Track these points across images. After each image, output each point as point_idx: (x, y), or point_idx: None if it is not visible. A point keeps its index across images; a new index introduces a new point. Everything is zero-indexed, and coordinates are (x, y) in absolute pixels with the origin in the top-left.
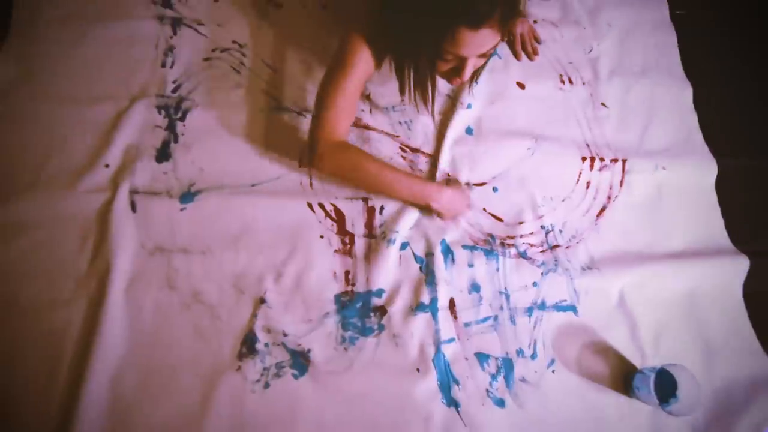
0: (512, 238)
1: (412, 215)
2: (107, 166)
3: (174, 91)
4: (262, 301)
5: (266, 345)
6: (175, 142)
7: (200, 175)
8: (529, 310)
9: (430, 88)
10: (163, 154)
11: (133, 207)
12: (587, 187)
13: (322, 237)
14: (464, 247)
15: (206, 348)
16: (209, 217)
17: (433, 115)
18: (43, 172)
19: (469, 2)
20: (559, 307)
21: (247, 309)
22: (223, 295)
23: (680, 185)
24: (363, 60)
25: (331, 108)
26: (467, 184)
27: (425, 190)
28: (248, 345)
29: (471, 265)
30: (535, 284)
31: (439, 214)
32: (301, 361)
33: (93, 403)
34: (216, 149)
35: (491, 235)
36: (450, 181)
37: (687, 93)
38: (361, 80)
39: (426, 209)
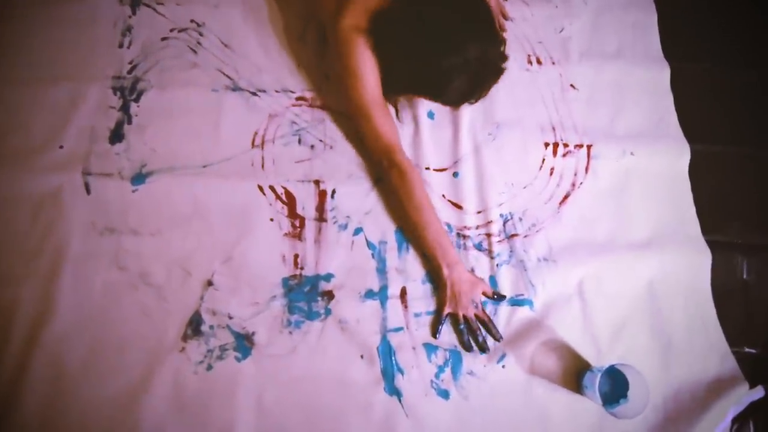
0: (469, 228)
1: (368, 200)
2: (62, 147)
3: (130, 71)
4: (210, 283)
5: (211, 327)
6: (129, 123)
7: (152, 156)
8: (483, 304)
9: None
10: (116, 135)
11: (87, 188)
12: (551, 174)
13: (272, 220)
14: None
15: (152, 328)
16: (160, 198)
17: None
18: None
19: (441, 89)
20: (514, 301)
21: (195, 291)
22: (171, 277)
23: (649, 171)
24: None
25: (370, 118)
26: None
27: (449, 253)
28: (193, 327)
29: (425, 256)
30: (492, 278)
31: (443, 286)
32: (245, 343)
33: (40, 378)
34: (169, 130)
35: (448, 225)
36: (474, 276)
37: (664, 74)
38: (375, 75)
39: (434, 272)
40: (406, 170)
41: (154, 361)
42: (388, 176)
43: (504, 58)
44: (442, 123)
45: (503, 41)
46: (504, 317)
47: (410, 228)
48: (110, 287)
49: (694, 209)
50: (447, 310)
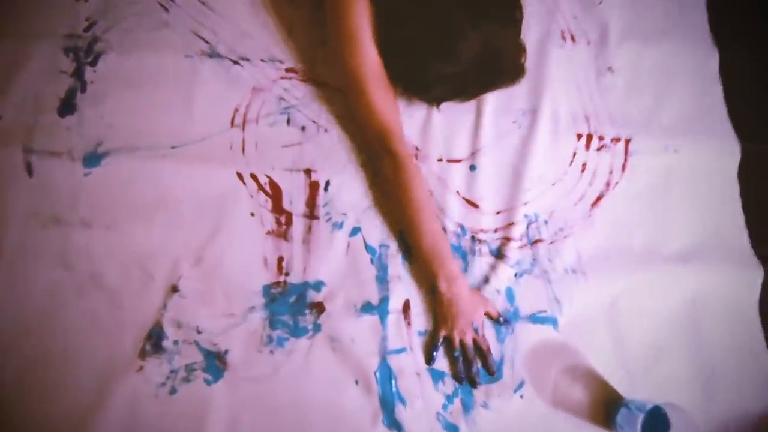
0: (486, 231)
1: (369, 195)
2: (0, 117)
3: (86, 29)
4: (175, 289)
5: (175, 343)
6: (83, 91)
7: (110, 133)
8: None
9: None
10: (66, 106)
11: (29, 169)
12: (582, 170)
13: (252, 215)
14: None
15: (104, 341)
16: (118, 184)
17: None
18: None
19: (424, 87)
20: (535, 319)
21: (156, 298)
22: (128, 280)
23: (693, 172)
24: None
25: (365, 92)
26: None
27: (448, 264)
28: (153, 341)
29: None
30: (509, 290)
31: (439, 303)
32: (216, 363)
33: None
34: (131, 102)
35: (461, 227)
36: (477, 293)
37: (713, 60)
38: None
39: (427, 288)
40: (402, 161)
41: (106, 382)
42: (380, 165)
43: (518, 51)
44: (460, 107)
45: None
46: (523, 338)
47: (406, 223)
48: (54, 290)
49: (743, 218)
50: (442, 332)
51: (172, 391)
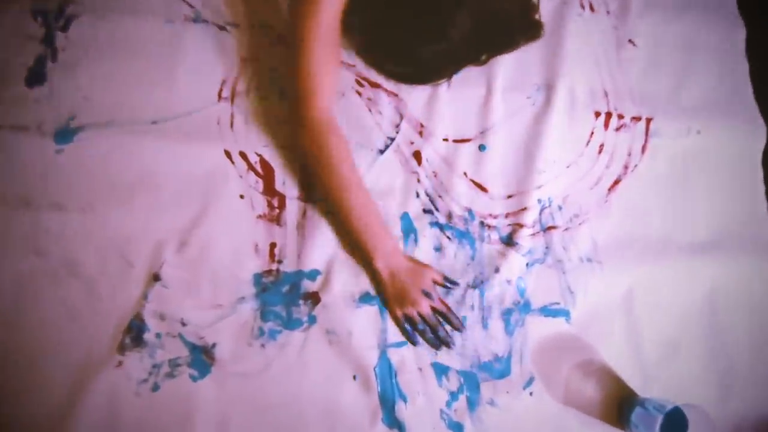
0: (495, 216)
1: (369, 176)
2: None
3: None
4: (156, 277)
5: (158, 335)
6: (53, 59)
7: (84, 105)
8: (508, 313)
9: None
10: (35, 76)
11: None
12: (599, 152)
13: (242, 197)
14: (433, 224)
15: (80, 334)
16: (93, 162)
17: None
18: None
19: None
20: (547, 311)
21: (136, 287)
22: (106, 267)
23: (717, 155)
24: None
25: (305, 49)
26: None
27: (383, 240)
28: (133, 334)
29: (438, 249)
30: (520, 281)
31: (384, 285)
32: (202, 358)
33: None
34: (107, 72)
35: (469, 211)
36: (416, 262)
37: (739, 37)
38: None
39: (367, 267)
40: (320, 131)
41: (82, 378)
42: (297, 136)
43: (527, 9)
44: (469, 81)
45: None
46: (533, 331)
47: (333, 201)
48: (25, 279)
49: (766, 206)
50: (397, 312)
51: (155, 387)
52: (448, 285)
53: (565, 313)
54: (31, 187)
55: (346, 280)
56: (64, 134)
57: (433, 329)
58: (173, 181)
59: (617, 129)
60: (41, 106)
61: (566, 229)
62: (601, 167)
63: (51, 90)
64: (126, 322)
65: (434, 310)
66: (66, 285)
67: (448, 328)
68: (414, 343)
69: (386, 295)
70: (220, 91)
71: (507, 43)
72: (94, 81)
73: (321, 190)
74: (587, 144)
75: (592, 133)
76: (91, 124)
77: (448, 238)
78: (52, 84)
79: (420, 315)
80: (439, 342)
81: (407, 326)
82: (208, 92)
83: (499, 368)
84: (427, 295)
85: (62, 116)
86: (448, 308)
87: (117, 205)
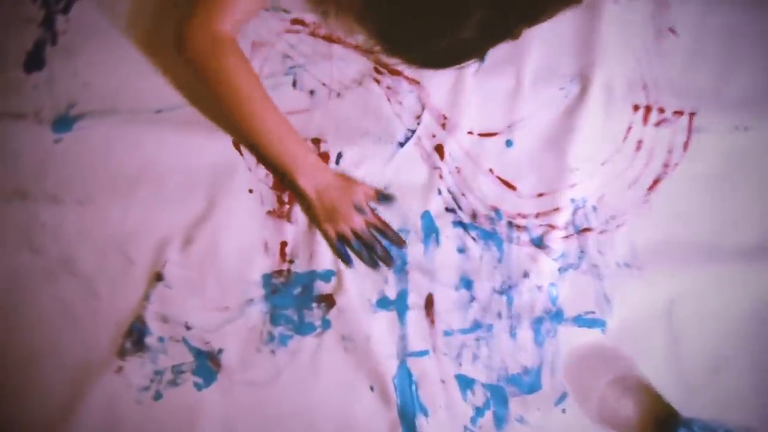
0: (525, 216)
1: (388, 169)
2: None
3: None
4: (159, 277)
5: (161, 340)
6: (53, 43)
7: (84, 92)
8: (538, 322)
9: None
10: (34, 61)
11: None
12: (637, 148)
13: (251, 191)
14: (456, 224)
15: (77, 336)
16: (93, 153)
17: None
18: None
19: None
20: (581, 320)
21: (138, 287)
22: (106, 265)
23: (764, 154)
24: None
25: None
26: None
27: (302, 155)
28: (134, 338)
29: (462, 251)
30: (552, 287)
31: (312, 206)
32: (208, 364)
33: None
34: (109, 57)
35: (496, 210)
36: (345, 177)
37: None
38: None
39: (291, 187)
40: (233, 47)
41: (79, 384)
42: (205, 49)
43: None
44: (496, 71)
45: None
46: (566, 342)
47: (243, 127)
48: (18, 276)
49: None
50: (329, 231)
51: (157, 396)
52: (382, 200)
53: (601, 324)
54: (27, 178)
55: (363, 282)
56: (63, 122)
57: (368, 246)
58: (178, 174)
59: (657, 124)
60: (40, 92)
61: (602, 232)
62: (640, 165)
63: (50, 76)
64: (127, 324)
65: (369, 225)
66: (63, 283)
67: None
68: (347, 262)
69: (316, 214)
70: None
71: (544, 10)
72: (96, 66)
73: (229, 121)
74: (624, 140)
75: (630, 128)
76: (91, 112)
77: (473, 239)
78: (52, 69)
79: (354, 232)
80: (377, 260)
81: (340, 246)
82: None
83: (528, 381)
84: (360, 210)
85: (61, 103)
86: (385, 223)
87: (118, 198)
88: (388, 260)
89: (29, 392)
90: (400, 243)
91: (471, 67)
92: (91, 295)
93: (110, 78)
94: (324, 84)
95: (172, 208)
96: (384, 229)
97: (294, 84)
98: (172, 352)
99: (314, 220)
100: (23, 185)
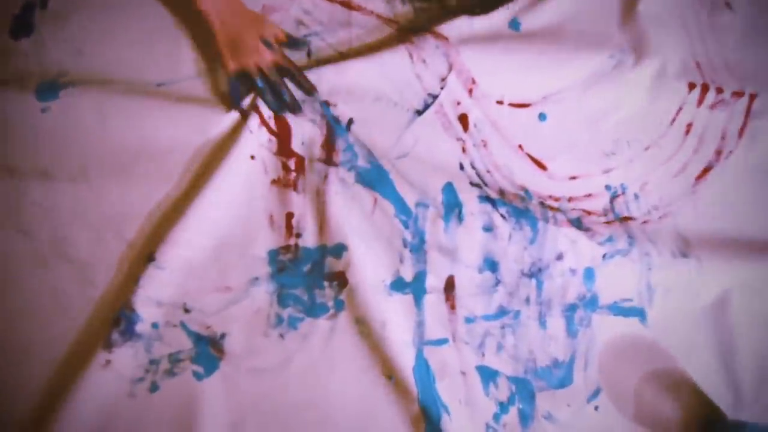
0: (557, 200)
1: (406, 135)
2: None
3: None
4: (150, 257)
5: (154, 326)
6: (43, 6)
7: (77, 60)
8: (571, 309)
9: None
10: (22, 26)
11: None
12: (687, 132)
13: (253, 158)
14: (483, 199)
15: (70, 327)
16: (87, 125)
17: None
18: None
19: None
20: (617, 309)
21: (128, 269)
22: (102, 249)
23: None
24: None
25: None
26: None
27: None
28: (123, 327)
29: (488, 229)
30: (588, 272)
31: (208, 31)
32: (209, 351)
33: None
34: (105, 23)
35: (525, 190)
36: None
37: None
38: None
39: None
40: None
41: (71, 377)
42: None
43: None
44: (534, 36)
45: None
46: (601, 332)
47: None
48: (6, 260)
49: None
50: (230, 66)
51: (153, 387)
52: (293, 44)
53: (640, 313)
54: (15, 152)
55: (377, 261)
56: (51, 89)
57: (274, 87)
58: (179, 148)
59: (712, 106)
60: (28, 60)
61: (644, 222)
62: (688, 151)
63: (39, 41)
64: (113, 312)
65: (277, 65)
66: (54, 268)
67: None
68: (238, 107)
69: (217, 44)
70: None
71: None
72: (90, 33)
73: None
74: (672, 122)
75: (680, 108)
76: (83, 81)
77: (503, 216)
78: (41, 35)
79: (259, 69)
80: (282, 106)
81: (235, 85)
82: None
83: (558, 375)
84: (268, 45)
85: (51, 71)
86: (295, 66)
87: (115, 175)
88: (296, 107)
89: (15, 387)
90: (311, 90)
91: (504, 35)
92: (85, 281)
93: (106, 46)
94: (341, 53)
95: (172, 184)
96: (294, 72)
97: (308, 54)
98: (168, 338)
99: (213, 55)
100: (11, 160)
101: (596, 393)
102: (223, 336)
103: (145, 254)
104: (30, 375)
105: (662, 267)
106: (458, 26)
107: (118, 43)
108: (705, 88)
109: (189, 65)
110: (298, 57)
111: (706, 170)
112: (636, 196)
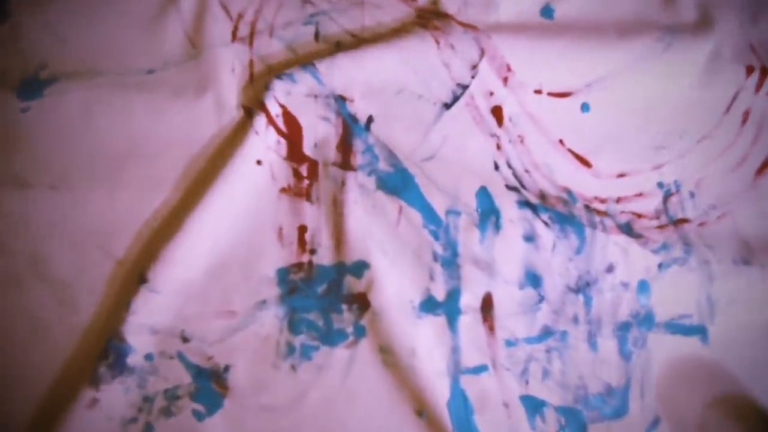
0: (604, 201)
1: (432, 135)
2: None
3: None
4: (143, 279)
5: (148, 357)
6: None
7: (58, 50)
8: (624, 328)
9: None
10: None
11: None
12: (744, 121)
13: (259, 163)
14: (522, 204)
15: (49, 357)
16: (70, 125)
17: None
18: None
19: None
20: (674, 327)
21: (118, 293)
22: (85, 266)
23: None
24: None
25: None
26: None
27: None
28: (111, 360)
29: (530, 239)
30: (643, 285)
31: None
32: (211, 386)
33: None
34: (90, 5)
35: (568, 191)
36: None
37: None
38: None
39: None
40: None
41: (51, 417)
42: None
43: None
44: (570, 23)
45: None
46: (658, 354)
47: None
48: None
49: None
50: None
51: (147, 429)
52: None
53: (700, 330)
54: None
55: (403, 279)
56: (32, 87)
57: None
58: (172, 148)
59: None
60: (5, 49)
61: (701, 224)
62: (746, 142)
63: (15, 29)
64: (100, 343)
65: None
66: (31, 289)
67: None
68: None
69: None
70: (235, 29)
71: None
72: (72, 17)
73: None
74: (727, 110)
75: (736, 94)
76: (67, 74)
77: (545, 223)
78: (18, 22)
79: None
80: None
81: None
82: (219, 31)
83: (613, 404)
84: None
85: (31, 64)
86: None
87: (100, 181)
88: None
89: None
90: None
91: (534, 21)
92: (66, 305)
93: (91, 32)
94: (354, 35)
95: (163, 191)
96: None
97: (316, 36)
98: (164, 372)
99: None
100: None
101: (655, 423)
102: (226, 368)
103: (136, 274)
104: (10, 405)
105: (723, 276)
106: (484, 14)
107: (105, 27)
108: (765, 72)
109: (181, 48)
110: (304, 40)
111: (767, 163)
112: (692, 195)
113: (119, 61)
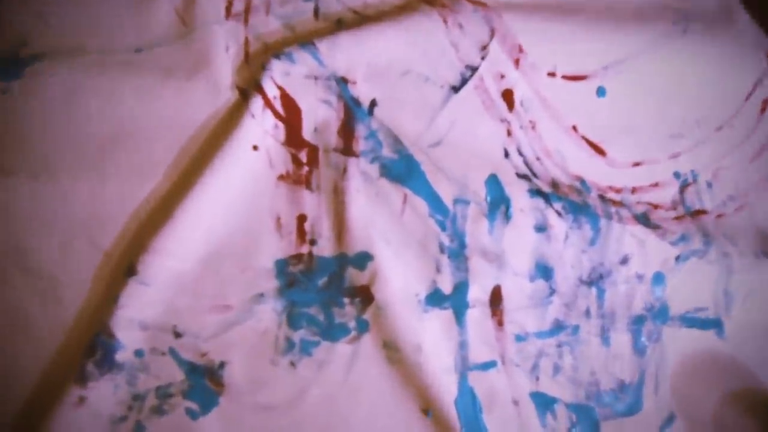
0: (618, 191)
1: (439, 119)
2: None
3: None
4: (132, 271)
5: (138, 354)
6: None
7: (39, 26)
8: (638, 322)
9: None
10: None
11: None
12: (763, 110)
13: (256, 148)
14: (533, 193)
15: (33, 356)
16: (53, 108)
17: None
18: None
19: None
20: (691, 320)
21: (106, 286)
22: (70, 259)
23: None
24: None
25: None
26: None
27: None
28: (99, 357)
29: (541, 229)
30: (658, 277)
31: None
32: (205, 384)
33: None
34: None
35: (581, 180)
36: None
37: None
38: None
39: None
40: None
41: (36, 417)
42: None
43: None
44: (585, 1)
45: None
46: (673, 348)
47: None
48: None
49: None
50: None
51: (138, 428)
52: None
53: (716, 324)
54: None
55: (408, 271)
56: (12, 66)
57: None
58: (164, 134)
59: None
60: None
61: (719, 216)
62: (765, 132)
63: None
64: (87, 339)
65: None
66: (13, 283)
67: None
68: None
69: None
70: (229, 5)
71: None
72: None
73: None
74: (747, 98)
75: (756, 83)
76: (48, 53)
77: (558, 213)
78: None
79: None
80: None
81: None
82: (212, 7)
83: (626, 400)
84: None
85: (8, 41)
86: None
87: (85, 169)
88: None
89: None
90: None
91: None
92: (51, 300)
93: (74, 7)
94: (356, 12)
95: (155, 179)
96: None
97: (316, 13)
98: (155, 369)
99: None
100: None
101: (670, 420)
102: (221, 365)
103: (125, 266)
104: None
105: (742, 270)
106: None
107: (87, 2)
108: None
109: (171, 25)
110: (303, 18)
111: None
112: (709, 185)
113: (105, 39)
